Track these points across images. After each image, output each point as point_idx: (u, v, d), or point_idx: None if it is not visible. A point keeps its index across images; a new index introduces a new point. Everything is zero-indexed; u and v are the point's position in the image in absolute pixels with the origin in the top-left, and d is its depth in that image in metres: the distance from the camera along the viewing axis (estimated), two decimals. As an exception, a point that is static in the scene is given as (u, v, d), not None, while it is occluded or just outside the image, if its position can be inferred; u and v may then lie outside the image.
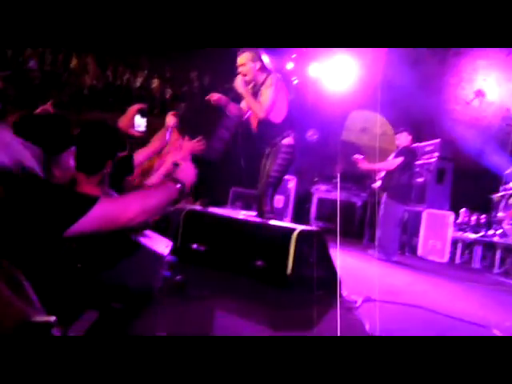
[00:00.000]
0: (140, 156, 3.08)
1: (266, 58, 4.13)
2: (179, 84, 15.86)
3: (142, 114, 3.05)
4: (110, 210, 1.51)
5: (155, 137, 3.38)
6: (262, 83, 4.09)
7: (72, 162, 1.84)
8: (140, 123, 3.02)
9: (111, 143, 2.62)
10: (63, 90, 14.20)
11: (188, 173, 1.92)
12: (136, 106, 3.08)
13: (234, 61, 4.25)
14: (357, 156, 6.34)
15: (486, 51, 12.95)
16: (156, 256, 2.53)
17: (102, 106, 14.38)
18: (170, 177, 1.88)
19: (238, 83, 4.05)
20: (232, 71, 4.52)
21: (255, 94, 4.13)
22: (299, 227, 3.51)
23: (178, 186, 1.79)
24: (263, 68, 4.09)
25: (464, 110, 13.11)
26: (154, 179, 3.14)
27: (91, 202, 1.47)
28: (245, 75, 4.08)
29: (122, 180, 2.81)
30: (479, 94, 13.19)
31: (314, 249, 3.41)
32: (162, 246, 2.73)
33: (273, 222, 3.89)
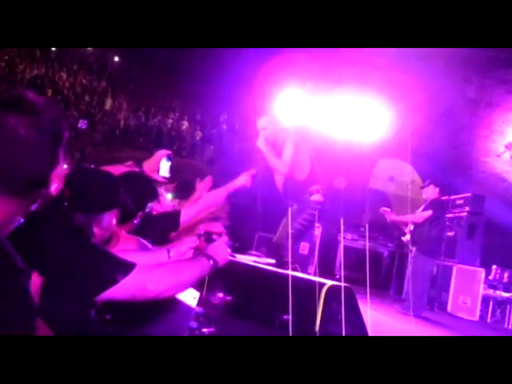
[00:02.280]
0: (188, 214, 3.09)
1: (284, 119, 4.30)
2: (209, 127, 16.16)
3: (168, 159, 3.05)
4: (143, 281, 1.49)
5: (208, 195, 3.39)
6: (283, 141, 4.17)
7: (114, 222, 1.82)
8: (165, 168, 3.00)
9: (144, 194, 2.63)
10: (97, 129, 14.59)
11: (222, 251, 1.90)
12: (163, 152, 3.10)
13: (261, 104, 4.41)
14: (384, 208, 6.28)
15: (517, 104, 12.90)
16: (185, 309, 2.49)
17: (132, 145, 14.71)
18: (204, 252, 1.85)
19: (261, 143, 4.19)
20: (260, 114, 4.64)
21: (278, 152, 4.22)
22: (329, 282, 3.44)
23: (211, 262, 1.77)
24: (283, 129, 4.22)
25: (495, 162, 12.96)
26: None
27: (128, 268, 1.46)
28: (266, 137, 4.21)
29: (167, 236, 2.82)
30: (510, 146, 13.05)
31: (344, 305, 3.32)
32: (190, 297, 2.69)
33: (300, 275, 3.82)
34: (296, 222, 4.15)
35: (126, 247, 2.34)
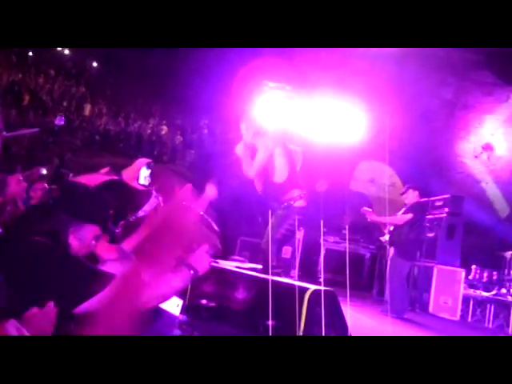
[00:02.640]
0: None
1: (264, 123, 4.37)
2: (189, 131, 16.11)
3: (148, 167, 3.03)
4: (122, 294, 1.48)
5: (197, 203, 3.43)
6: (258, 146, 4.29)
7: (91, 241, 1.80)
8: (145, 177, 2.97)
9: (125, 204, 2.61)
10: (76, 134, 14.44)
11: (203, 260, 1.90)
12: (143, 160, 3.08)
13: (243, 108, 4.47)
14: (365, 208, 6.34)
15: (492, 105, 13.13)
16: (169, 317, 2.48)
17: (112, 150, 14.58)
18: (184, 262, 1.86)
19: (238, 148, 4.33)
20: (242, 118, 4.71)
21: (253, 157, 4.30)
22: (312, 287, 3.46)
23: (191, 272, 1.78)
24: (262, 134, 4.26)
25: (472, 163, 13.17)
26: None
27: (107, 280, 1.44)
28: (245, 142, 4.33)
29: None
30: (487, 147, 13.28)
31: (327, 309, 3.34)
32: (173, 305, 2.68)
33: (284, 280, 3.83)
34: (282, 227, 4.18)
35: (107, 256, 2.33)
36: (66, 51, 16.30)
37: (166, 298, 1.74)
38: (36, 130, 7.59)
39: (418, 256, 6.61)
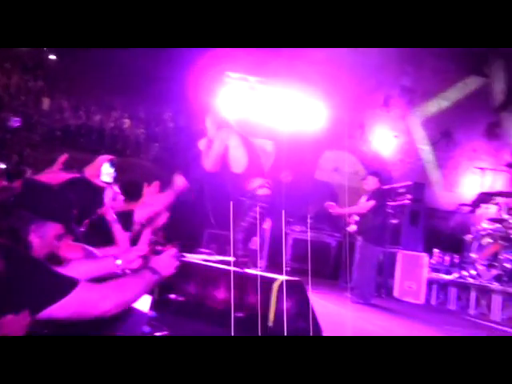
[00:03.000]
0: (141, 215, 3.05)
1: (227, 115, 4.47)
2: (153, 125, 15.89)
3: (111, 164, 2.98)
4: (85, 301, 1.46)
5: (161, 195, 3.37)
6: (219, 140, 4.37)
7: (53, 240, 1.76)
8: (107, 173, 2.92)
9: (90, 201, 2.57)
10: (35, 130, 14.06)
11: (168, 264, 1.88)
12: (105, 157, 3.03)
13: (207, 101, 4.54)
14: (328, 202, 6.44)
15: (451, 92, 13.44)
16: (137, 314, 2.46)
17: (73, 145, 14.27)
18: (148, 265, 1.83)
19: (201, 143, 4.48)
20: (206, 110, 4.75)
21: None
22: (280, 277, 3.49)
23: (156, 276, 1.76)
24: (222, 128, 4.40)
25: (431, 150, 13.48)
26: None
27: (69, 285, 1.42)
28: (208, 137, 4.46)
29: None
30: (446, 134, 13.61)
31: (295, 299, 3.38)
32: (142, 301, 2.66)
33: (252, 271, 3.85)
34: (248, 216, 4.21)
35: (71, 256, 2.29)
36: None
37: (129, 304, 1.71)
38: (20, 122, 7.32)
39: (386, 240, 6.73)
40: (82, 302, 1.46)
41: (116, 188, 3.10)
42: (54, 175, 2.98)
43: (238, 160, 4.32)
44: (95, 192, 2.70)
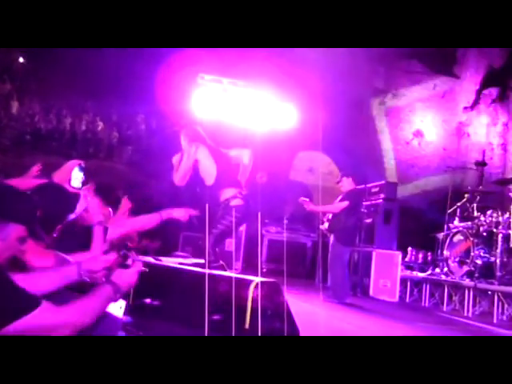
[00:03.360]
0: (114, 233, 3.00)
1: (194, 130, 4.52)
2: (125, 127, 15.73)
3: (80, 168, 2.93)
4: (47, 321, 1.44)
5: (140, 219, 3.33)
6: (187, 152, 4.37)
7: (15, 242, 1.71)
8: (77, 179, 2.87)
9: (61, 207, 2.53)
10: (4, 134, 13.76)
11: (129, 280, 1.86)
12: (74, 162, 2.99)
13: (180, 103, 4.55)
14: (303, 198, 6.48)
15: (421, 93, 13.66)
16: (112, 319, 2.43)
17: (45, 149, 14.01)
18: (110, 279, 1.81)
19: (174, 158, 4.44)
20: (179, 112, 4.73)
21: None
22: (256, 279, 3.48)
23: (117, 294, 1.75)
24: (192, 139, 4.41)
25: (404, 149, 13.68)
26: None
27: (31, 305, 1.40)
28: (181, 152, 4.43)
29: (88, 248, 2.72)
30: (418, 134, 13.83)
31: (272, 300, 3.38)
32: (116, 307, 2.62)
33: (227, 273, 3.84)
34: (220, 223, 4.25)
35: (40, 264, 2.24)
36: (-11, 46, 15.45)
37: (88, 324, 1.68)
38: None
39: (356, 241, 6.82)
40: (41, 326, 1.44)
41: (86, 191, 3.03)
42: (23, 181, 2.93)
43: (208, 172, 4.37)
44: (66, 197, 2.66)
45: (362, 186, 8.06)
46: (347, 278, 6.25)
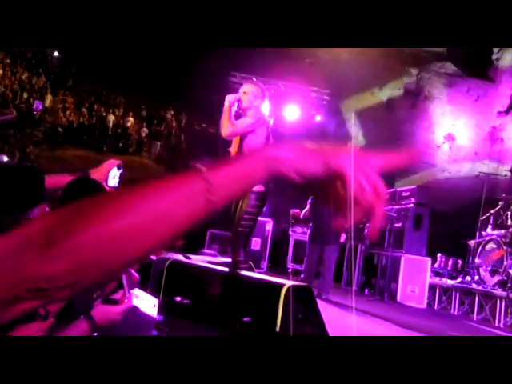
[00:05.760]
0: None
1: (267, 104, 4.17)
2: (156, 123, 15.88)
3: (118, 169, 2.92)
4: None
5: None
6: (249, 113, 4.08)
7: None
8: (115, 178, 2.87)
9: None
10: (37, 127, 14.05)
11: (110, 318, 1.73)
12: (113, 161, 2.99)
13: (209, 100, 4.31)
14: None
15: (454, 96, 13.43)
16: (146, 318, 2.44)
17: (76, 143, 14.27)
18: (89, 314, 1.68)
19: (230, 98, 4.04)
20: (208, 111, 4.61)
21: (237, 116, 4.12)
22: (288, 283, 3.47)
23: (92, 331, 1.64)
24: (259, 107, 4.12)
25: (435, 153, 13.46)
26: None
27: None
28: (240, 99, 4.07)
29: None
30: (449, 137, 13.60)
31: (303, 305, 3.36)
32: (150, 306, 2.64)
33: (257, 275, 3.83)
34: (242, 217, 4.04)
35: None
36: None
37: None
38: (13, 115, 7.19)
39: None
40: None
41: None
42: (60, 177, 2.96)
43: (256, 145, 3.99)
44: (101, 191, 2.67)
45: (392, 189, 7.96)
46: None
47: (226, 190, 0.59)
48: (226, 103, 4.01)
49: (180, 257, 4.60)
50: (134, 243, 0.55)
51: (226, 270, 4.04)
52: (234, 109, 4.07)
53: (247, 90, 4.10)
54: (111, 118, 15.33)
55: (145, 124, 15.47)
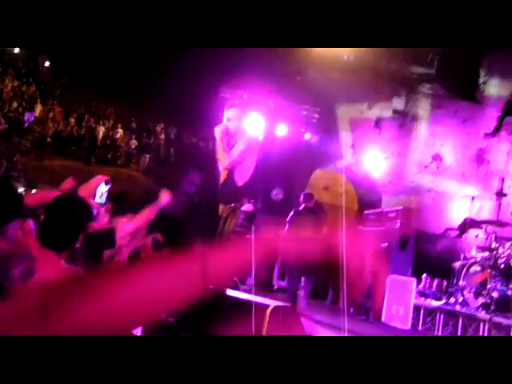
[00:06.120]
0: (124, 230, 3.01)
1: (252, 120, 4.30)
2: (145, 136, 15.87)
3: (106, 185, 2.95)
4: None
5: (143, 212, 3.30)
6: (240, 139, 4.15)
7: (20, 234, 1.73)
8: (102, 194, 2.89)
9: (83, 216, 2.54)
10: (26, 135, 13.97)
11: None
12: (101, 177, 3.01)
13: (199, 114, 4.39)
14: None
15: (442, 117, 13.60)
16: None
17: (64, 153, 14.21)
18: None
19: (219, 130, 4.17)
20: (197, 124, 4.67)
21: (230, 146, 4.19)
22: (272, 303, 3.47)
23: None
24: (245, 128, 4.21)
25: (423, 173, 13.57)
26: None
27: None
28: (228, 128, 4.16)
29: (100, 254, 2.73)
30: (437, 158, 13.74)
31: (287, 326, 3.35)
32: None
33: (241, 294, 3.83)
34: (229, 238, 4.11)
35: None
36: (17, 49, 15.73)
37: None
38: (5, 126, 7.23)
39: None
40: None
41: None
42: (47, 193, 2.96)
43: (245, 173, 4.17)
44: (87, 208, 2.67)
45: (379, 210, 8.02)
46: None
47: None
48: (217, 136, 4.12)
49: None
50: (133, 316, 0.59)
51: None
52: (226, 140, 4.17)
53: (231, 115, 4.21)
54: (101, 129, 15.29)
55: (134, 136, 15.46)
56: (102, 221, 3.81)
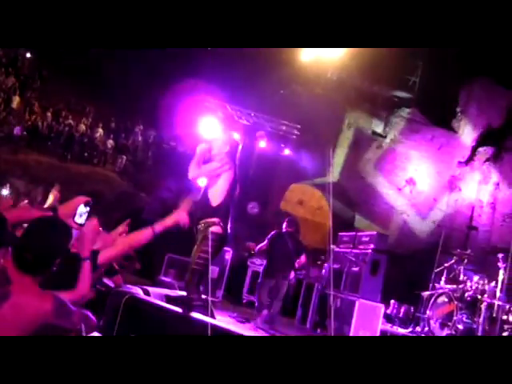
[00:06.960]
0: (107, 255, 2.95)
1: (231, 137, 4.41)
2: (123, 136, 15.67)
3: (86, 205, 2.87)
4: None
5: (131, 236, 3.14)
6: (217, 159, 4.26)
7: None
8: (82, 215, 2.82)
9: (62, 241, 2.49)
10: (1, 128, 13.66)
11: None
12: (81, 198, 2.92)
13: (179, 118, 4.44)
14: (249, 243, 6.82)
15: (419, 143, 13.84)
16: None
17: (40, 148, 13.93)
18: None
19: (200, 148, 4.30)
20: (179, 130, 4.69)
21: (205, 161, 4.30)
22: (238, 331, 3.47)
23: None
24: (228, 153, 4.26)
25: (396, 195, 13.78)
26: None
27: None
28: (211, 147, 4.31)
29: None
30: (411, 182, 13.96)
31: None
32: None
33: (209, 320, 3.82)
34: (197, 256, 4.13)
35: (40, 305, 2.20)
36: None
37: None
38: None
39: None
40: None
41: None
42: (26, 212, 2.89)
43: (219, 194, 4.22)
44: (66, 231, 2.62)
45: (353, 233, 8.10)
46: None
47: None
48: (198, 151, 4.19)
49: (138, 290, 4.53)
50: None
51: (178, 310, 4.00)
52: (204, 156, 4.26)
53: (218, 137, 4.32)
54: (82, 127, 15.04)
55: (112, 136, 15.26)
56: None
